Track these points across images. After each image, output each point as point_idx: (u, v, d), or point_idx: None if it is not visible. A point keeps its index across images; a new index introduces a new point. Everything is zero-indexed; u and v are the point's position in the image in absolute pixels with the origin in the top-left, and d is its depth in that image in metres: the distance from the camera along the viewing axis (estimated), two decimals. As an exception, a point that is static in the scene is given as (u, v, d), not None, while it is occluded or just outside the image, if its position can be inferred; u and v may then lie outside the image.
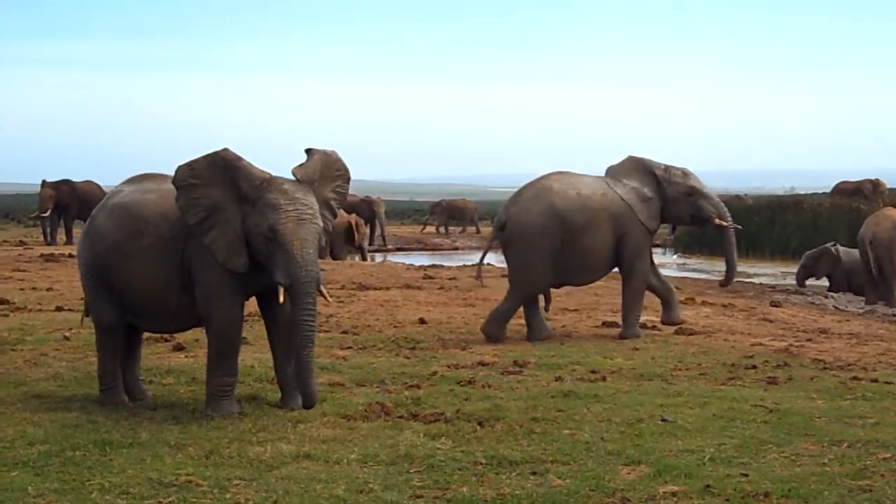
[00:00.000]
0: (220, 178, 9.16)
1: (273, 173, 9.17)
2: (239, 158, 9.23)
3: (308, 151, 9.53)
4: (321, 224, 9.11)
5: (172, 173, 9.62)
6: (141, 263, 9.35)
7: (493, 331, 13.73)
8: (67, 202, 37.68)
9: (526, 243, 13.72)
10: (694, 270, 32.06)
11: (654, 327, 14.66)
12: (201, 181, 9.16)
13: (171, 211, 9.30)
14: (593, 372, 11.08)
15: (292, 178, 9.17)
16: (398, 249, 42.17)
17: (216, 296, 9.17)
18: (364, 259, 33.56)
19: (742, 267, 32.02)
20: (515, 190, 14.60)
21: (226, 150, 9.29)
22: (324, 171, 9.51)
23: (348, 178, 9.83)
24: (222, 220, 9.07)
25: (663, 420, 8.73)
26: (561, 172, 14.39)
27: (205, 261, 9.13)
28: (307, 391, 9.01)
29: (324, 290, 9.07)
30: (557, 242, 13.65)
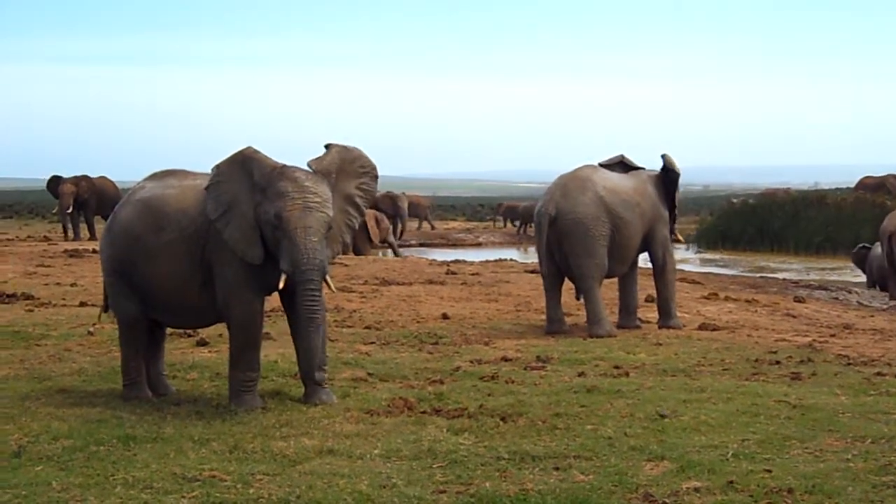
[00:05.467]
0: (238, 173, 9.22)
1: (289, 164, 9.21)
2: (256, 152, 9.28)
3: (327, 147, 9.55)
4: (330, 214, 9.10)
5: (194, 170, 9.70)
6: (162, 259, 9.38)
7: (601, 330, 13.78)
8: (87, 197, 37.72)
9: (583, 232, 13.83)
10: (717, 266, 31.98)
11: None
12: (224, 178, 9.21)
13: (192, 207, 9.34)
14: (616, 367, 11.06)
15: (307, 169, 9.19)
16: (420, 245, 42.15)
17: (236, 290, 9.19)
18: (396, 254, 33.70)
19: (766, 262, 32.01)
20: (539, 185, 14.68)
21: (248, 147, 9.34)
22: (343, 165, 9.52)
23: (375, 176, 9.82)
24: (238, 213, 9.11)
25: (661, 416, 8.71)
26: (591, 166, 14.55)
27: (225, 256, 9.16)
28: (310, 369, 9.16)
29: (328, 279, 9.10)
30: (607, 231, 13.80)
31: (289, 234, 8.82)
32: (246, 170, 9.21)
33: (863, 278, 25.02)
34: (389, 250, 35.03)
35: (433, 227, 52.74)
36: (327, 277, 9.06)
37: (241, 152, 9.31)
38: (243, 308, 9.22)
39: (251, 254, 9.06)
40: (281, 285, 8.93)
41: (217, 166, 9.32)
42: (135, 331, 9.75)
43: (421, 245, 42.21)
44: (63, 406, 9.24)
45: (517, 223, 52.03)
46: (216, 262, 9.24)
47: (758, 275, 27.26)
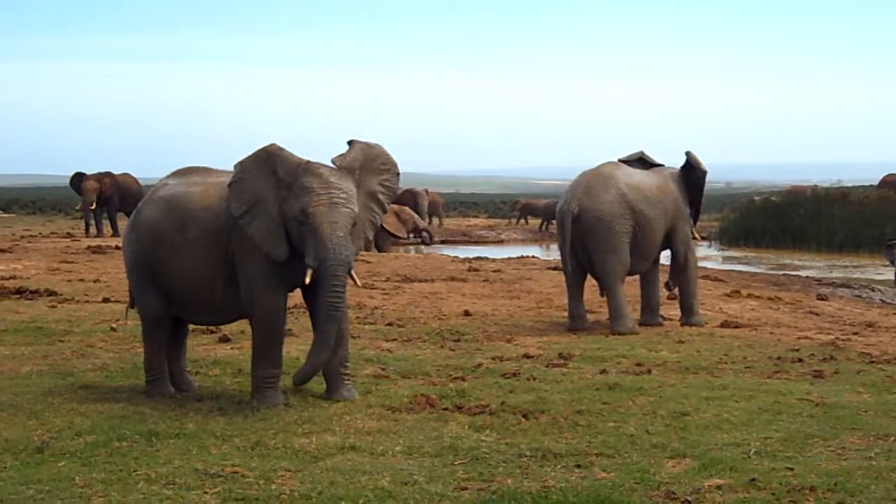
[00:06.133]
0: (262, 170, 9.21)
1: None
2: (280, 149, 9.28)
3: (350, 143, 9.55)
4: (355, 209, 9.10)
5: (216, 167, 9.72)
6: (186, 256, 9.40)
7: (623, 327, 13.80)
8: (110, 194, 37.82)
9: (606, 229, 13.85)
10: (739, 263, 31.90)
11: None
12: (248, 175, 9.22)
13: (216, 204, 9.36)
14: (638, 365, 11.06)
15: (331, 165, 9.20)
16: (442, 242, 42.16)
17: (260, 287, 9.20)
18: (430, 241, 34.09)
19: (788, 260, 31.92)
20: (561, 182, 14.72)
21: (271, 144, 9.34)
22: (366, 162, 9.52)
23: (397, 173, 9.83)
24: (263, 209, 9.11)
25: (683, 414, 8.70)
26: (613, 163, 14.56)
27: (248, 253, 9.17)
28: (315, 362, 9.11)
29: (354, 274, 9.11)
30: (629, 229, 13.81)
31: (314, 229, 8.82)
32: (270, 166, 9.22)
33: (887, 275, 24.92)
34: (416, 243, 35.29)
35: (441, 224, 52.75)
36: (352, 272, 9.07)
37: (264, 149, 9.32)
38: (267, 304, 9.24)
39: (276, 250, 9.07)
40: (307, 280, 8.92)
41: (240, 163, 9.33)
42: (158, 327, 9.77)
43: (443, 242, 42.18)
44: (86, 402, 9.27)
45: (541, 221, 51.96)
46: (240, 259, 9.26)
47: (780, 272, 27.19)
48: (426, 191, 43.92)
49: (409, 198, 40.07)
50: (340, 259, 8.82)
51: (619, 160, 14.73)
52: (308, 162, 9.13)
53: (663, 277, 15.22)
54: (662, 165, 14.88)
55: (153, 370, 9.77)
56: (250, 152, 9.36)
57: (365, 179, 9.47)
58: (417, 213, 40.48)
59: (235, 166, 9.33)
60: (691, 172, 14.70)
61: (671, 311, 15.37)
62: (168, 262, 9.49)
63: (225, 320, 10.29)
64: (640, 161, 14.81)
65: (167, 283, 9.58)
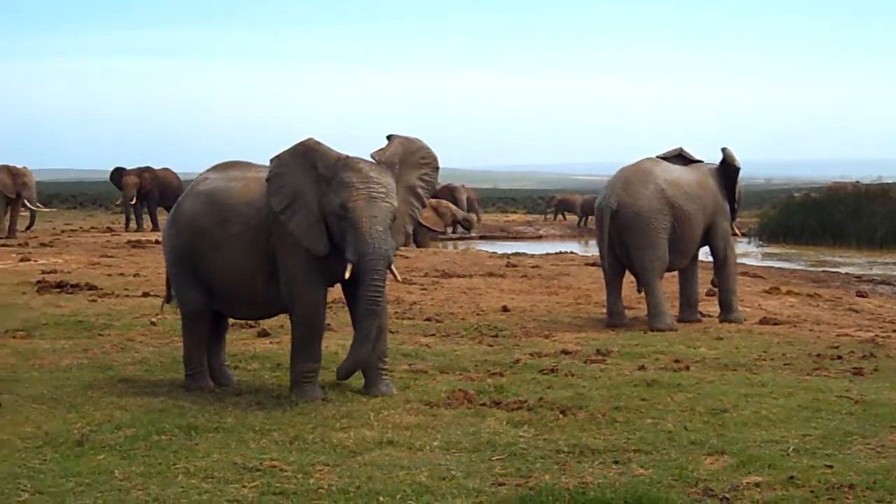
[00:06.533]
0: (300, 165, 9.23)
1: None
2: (318, 143, 9.30)
3: (389, 138, 9.55)
4: (395, 204, 9.10)
5: (255, 161, 9.76)
6: (227, 251, 9.42)
7: (662, 323, 13.77)
8: (150, 189, 38.02)
9: (644, 225, 13.82)
10: (779, 259, 31.77)
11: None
12: (286, 170, 9.23)
13: (257, 199, 9.38)
14: (677, 361, 11.03)
15: (370, 159, 9.21)
16: (481, 237, 42.15)
17: (300, 282, 9.23)
18: (471, 227, 34.31)
19: (828, 256, 31.76)
20: (599, 178, 14.71)
21: (309, 138, 9.35)
22: (406, 156, 9.51)
23: (436, 167, 9.82)
24: (303, 204, 9.13)
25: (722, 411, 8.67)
26: (652, 159, 14.53)
27: (289, 247, 9.19)
28: (356, 357, 9.10)
29: (394, 269, 9.13)
30: (668, 224, 13.78)
31: (354, 223, 8.82)
32: (309, 161, 9.23)
33: None
34: (455, 238, 35.36)
35: (478, 220, 52.77)
36: (392, 267, 9.08)
37: (302, 143, 9.33)
38: (307, 299, 9.26)
39: (316, 245, 9.09)
40: (347, 275, 8.93)
41: (278, 157, 9.34)
42: (198, 322, 9.81)
43: (481, 238, 42.17)
44: (125, 395, 9.32)
45: (580, 217, 51.85)
46: (280, 254, 9.28)
47: (820, 269, 27.08)
48: (464, 186, 43.90)
49: (448, 193, 40.06)
50: (380, 253, 8.82)
51: (658, 156, 14.69)
52: (347, 156, 9.14)
53: (702, 274, 15.19)
54: (701, 162, 14.85)
55: (192, 364, 9.82)
56: (287, 147, 9.39)
57: (404, 174, 9.47)
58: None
59: (272, 161, 9.34)
60: (727, 169, 14.67)
61: (710, 307, 15.32)
62: (209, 256, 9.53)
63: (265, 315, 10.31)
64: (679, 157, 14.78)
65: (208, 277, 9.62)
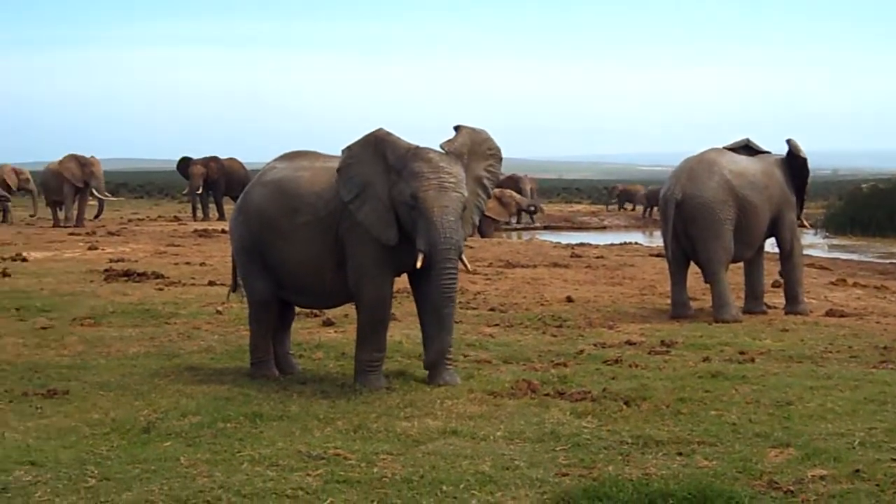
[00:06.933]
0: (371, 155, 9.27)
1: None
2: (388, 134, 9.34)
3: (457, 128, 9.57)
4: (465, 194, 9.13)
5: (322, 151, 9.81)
6: (296, 241, 9.47)
7: (728, 315, 13.70)
8: (216, 178, 38.25)
9: (709, 216, 13.75)
10: (845, 251, 31.49)
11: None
12: (356, 160, 9.27)
13: (325, 189, 9.42)
14: (742, 353, 10.97)
15: (440, 150, 9.23)
16: (545, 227, 42.10)
17: (368, 272, 9.26)
18: (536, 212, 34.44)
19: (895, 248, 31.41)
20: (664, 168, 14.66)
21: (379, 129, 9.39)
22: (473, 147, 9.53)
23: (500, 158, 9.85)
24: (373, 194, 9.16)
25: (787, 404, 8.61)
26: (718, 149, 14.46)
27: (358, 237, 9.23)
28: (442, 346, 9.20)
29: (464, 259, 9.16)
30: (733, 215, 13.71)
31: (425, 213, 8.86)
32: (379, 151, 9.27)
33: None
34: (519, 228, 35.42)
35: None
36: (463, 257, 9.12)
37: (372, 134, 9.38)
38: (374, 289, 9.30)
39: (386, 235, 9.12)
40: (419, 264, 8.96)
41: (348, 148, 9.38)
42: (266, 311, 9.87)
43: (546, 228, 42.10)
44: (191, 383, 9.40)
45: (644, 207, 51.61)
46: (349, 244, 9.31)
47: (887, 261, 26.81)
48: (527, 176, 43.88)
49: (512, 184, 40.06)
50: (451, 243, 8.86)
51: (725, 147, 14.62)
52: (417, 147, 9.17)
53: (768, 266, 15.11)
54: (769, 153, 14.75)
55: (258, 352, 9.88)
56: (357, 137, 9.42)
57: (472, 164, 9.49)
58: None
59: (343, 151, 9.39)
60: (794, 160, 14.57)
61: (776, 299, 15.22)
62: (277, 246, 9.58)
63: (333, 304, 10.35)
64: (746, 148, 14.69)
65: (276, 267, 9.67)
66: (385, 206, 9.13)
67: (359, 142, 9.38)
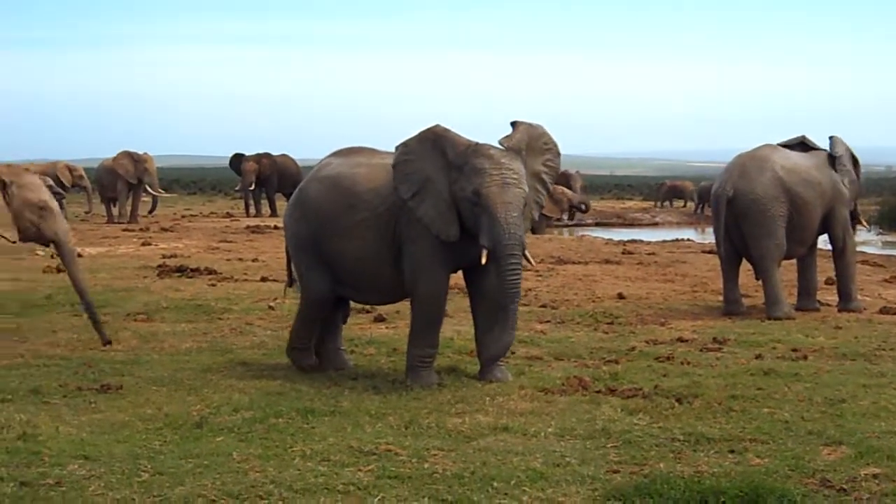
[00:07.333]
0: (429, 152, 9.29)
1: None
2: (447, 130, 9.35)
3: (513, 124, 9.56)
4: (526, 189, 9.15)
5: (377, 147, 9.84)
6: (354, 237, 9.49)
7: (780, 312, 13.62)
8: (268, 175, 38.38)
9: (761, 213, 13.69)
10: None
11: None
12: (414, 156, 9.29)
13: (383, 185, 9.44)
14: (794, 350, 10.92)
15: (499, 146, 9.24)
16: (596, 224, 42.00)
17: (425, 268, 9.29)
18: (586, 210, 34.62)
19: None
20: (716, 164, 14.60)
21: (436, 125, 9.40)
22: (531, 142, 9.52)
23: (558, 153, 9.84)
24: (433, 191, 9.18)
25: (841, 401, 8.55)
26: (770, 146, 14.39)
27: (416, 233, 9.25)
28: (506, 342, 9.25)
29: (528, 254, 9.18)
30: (785, 212, 13.64)
31: (489, 210, 8.88)
32: (438, 147, 9.29)
33: None
34: (570, 225, 35.49)
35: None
36: (527, 253, 9.14)
37: (430, 130, 9.39)
38: (430, 285, 9.33)
39: (447, 231, 9.15)
40: (483, 261, 9.01)
41: (404, 144, 9.40)
42: (321, 305, 9.90)
43: (597, 224, 41.99)
44: (244, 378, 9.46)
45: (696, 203, 51.35)
46: (407, 240, 9.34)
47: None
48: (578, 172, 43.79)
49: (563, 180, 39.95)
50: (516, 239, 8.91)
51: (780, 144, 14.55)
52: (477, 143, 9.19)
53: (821, 262, 15.01)
54: (824, 150, 14.64)
55: (300, 339, 9.96)
56: (413, 134, 9.44)
57: (530, 160, 9.49)
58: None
59: (398, 148, 9.41)
60: (830, 158, 14.47)
61: (829, 296, 15.13)
62: (335, 242, 9.60)
63: (390, 300, 10.37)
64: (801, 145, 14.61)
65: (334, 262, 9.69)
66: (446, 202, 9.16)
67: (415, 138, 9.40)
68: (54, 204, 11.38)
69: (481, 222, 8.94)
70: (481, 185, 8.92)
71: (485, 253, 8.95)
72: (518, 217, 8.94)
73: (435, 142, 9.31)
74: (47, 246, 11.74)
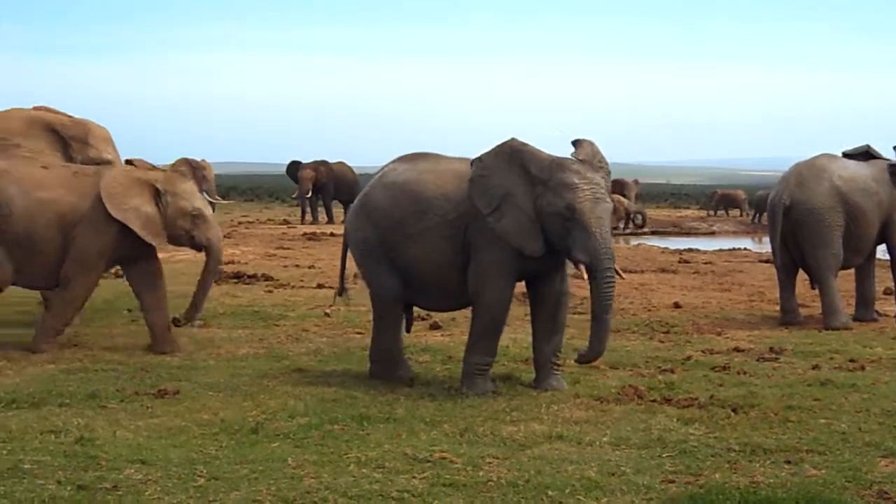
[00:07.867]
0: (507, 166, 9.33)
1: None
2: (525, 144, 9.40)
3: (575, 143, 9.57)
4: (611, 204, 9.29)
5: (441, 153, 9.85)
6: (423, 243, 9.53)
7: (838, 322, 13.54)
8: (325, 182, 38.46)
9: (818, 222, 13.61)
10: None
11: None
12: (490, 172, 9.32)
13: (453, 192, 9.48)
14: (852, 361, 10.85)
15: (578, 160, 9.28)
16: (653, 233, 41.86)
17: (491, 275, 9.31)
18: (644, 223, 34.58)
19: None
20: (773, 173, 14.52)
21: (512, 139, 9.45)
22: (590, 159, 9.54)
23: (609, 171, 9.87)
24: (514, 206, 9.21)
25: None
26: (829, 155, 14.30)
27: (485, 241, 9.28)
28: (600, 349, 9.37)
29: (618, 267, 9.27)
30: (842, 222, 13.55)
31: (583, 224, 8.97)
32: (517, 162, 9.33)
33: None
34: (626, 234, 35.50)
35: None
36: (616, 265, 9.21)
37: (507, 144, 9.43)
38: (495, 293, 9.35)
39: (531, 246, 9.19)
40: (585, 276, 9.15)
41: (480, 159, 9.43)
42: (393, 311, 9.94)
43: (653, 233, 41.85)
44: (299, 385, 9.49)
45: (754, 213, 51.06)
46: (476, 248, 9.37)
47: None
48: (635, 181, 43.70)
49: (618, 188, 39.89)
50: (610, 253, 9.06)
51: (844, 153, 14.45)
52: (559, 158, 9.27)
53: (879, 273, 14.89)
54: (888, 160, 14.50)
55: (380, 351, 9.97)
56: (489, 148, 9.48)
57: None
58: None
59: (474, 162, 9.45)
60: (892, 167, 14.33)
61: (887, 306, 15.02)
62: (403, 247, 9.63)
63: (458, 306, 10.34)
64: (866, 154, 14.48)
65: (402, 268, 9.72)
66: (529, 217, 9.19)
67: (491, 153, 9.43)
68: (208, 210, 11.54)
69: (574, 237, 9.02)
70: (574, 200, 8.99)
71: (583, 268, 9.07)
72: (608, 231, 9.08)
73: (512, 156, 9.34)
74: (199, 251, 11.80)
